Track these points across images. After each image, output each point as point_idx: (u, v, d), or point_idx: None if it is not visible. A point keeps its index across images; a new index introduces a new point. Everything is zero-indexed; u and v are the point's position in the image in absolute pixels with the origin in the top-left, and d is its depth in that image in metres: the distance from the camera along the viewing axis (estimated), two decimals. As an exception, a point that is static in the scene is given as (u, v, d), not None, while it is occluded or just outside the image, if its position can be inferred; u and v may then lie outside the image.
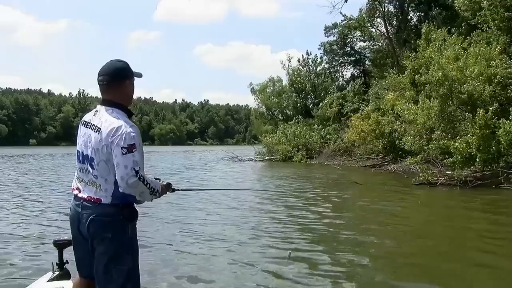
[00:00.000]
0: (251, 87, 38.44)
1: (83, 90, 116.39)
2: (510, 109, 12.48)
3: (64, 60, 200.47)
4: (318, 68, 35.63)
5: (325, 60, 35.37)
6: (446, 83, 13.37)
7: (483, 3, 15.17)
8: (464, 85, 13.07)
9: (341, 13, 37.02)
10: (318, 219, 8.11)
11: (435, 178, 13.27)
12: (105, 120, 2.38)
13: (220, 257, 5.36)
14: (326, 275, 4.67)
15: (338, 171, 19.97)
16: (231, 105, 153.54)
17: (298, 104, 34.41)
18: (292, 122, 31.51)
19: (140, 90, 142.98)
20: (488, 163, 12.49)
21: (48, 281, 3.01)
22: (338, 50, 34.40)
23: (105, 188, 2.37)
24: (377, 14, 28.92)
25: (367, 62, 34.40)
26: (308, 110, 33.72)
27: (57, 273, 3.06)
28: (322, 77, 34.81)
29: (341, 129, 27.19)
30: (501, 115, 12.44)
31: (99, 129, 2.37)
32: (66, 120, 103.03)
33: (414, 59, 16.93)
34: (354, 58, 34.80)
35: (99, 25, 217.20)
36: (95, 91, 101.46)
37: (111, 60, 2.53)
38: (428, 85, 14.20)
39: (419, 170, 14.52)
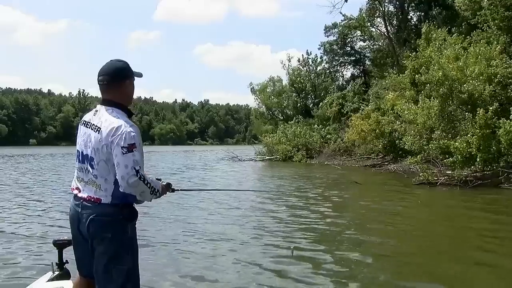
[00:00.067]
0: (251, 87, 38.50)
1: (83, 90, 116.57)
2: (510, 108, 12.47)
3: (64, 60, 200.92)
4: (318, 68, 35.66)
5: (325, 60, 35.42)
6: (446, 82, 13.37)
7: (483, 3, 15.17)
8: (464, 85, 13.06)
9: (341, 13, 37.14)
10: (320, 219, 8.12)
11: (435, 178, 13.26)
12: (105, 119, 2.37)
13: (223, 256, 5.37)
14: (329, 274, 4.69)
15: (338, 171, 19.97)
16: (231, 105, 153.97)
17: (298, 104, 34.40)
18: (292, 122, 31.52)
19: (140, 90, 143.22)
20: (488, 162, 12.48)
21: (48, 281, 3.00)
22: (338, 50, 34.42)
23: (105, 188, 2.37)
24: (377, 14, 28.93)
25: (367, 62, 34.42)
26: (308, 110, 33.71)
27: (57, 273, 3.06)
28: (322, 77, 34.81)
29: (341, 129, 27.19)
30: (501, 114, 12.43)
31: (99, 129, 2.37)
32: (66, 120, 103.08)
33: (414, 58, 16.94)
34: (354, 58, 34.82)
35: (99, 25, 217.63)
36: (95, 91, 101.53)
37: (111, 60, 2.53)
38: (428, 84, 14.20)
39: (419, 170, 14.51)
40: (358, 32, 32.66)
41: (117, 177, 2.30)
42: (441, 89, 13.50)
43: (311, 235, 6.61)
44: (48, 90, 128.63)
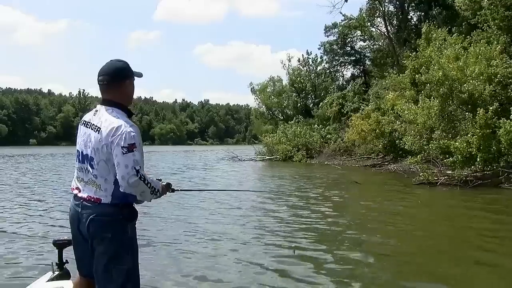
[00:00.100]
0: (251, 86, 38.52)
1: (83, 90, 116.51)
2: (511, 108, 12.47)
3: (64, 60, 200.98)
4: (318, 68, 35.65)
5: (325, 59, 35.41)
6: (446, 82, 13.36)
7: (483, 3, 15.17)
8: (465, 85, 13.06)
9: (341, 12, 37.23)
10: (320, 219, 8.14)
11: (435, 178, 13.26)
12: (105, 119, 2.37)
13: (224, 256, 5.39)
14: (330, 274, 4.71)
15: (338, 170, 19.97)
16: (231, 104, 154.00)
17: (298, 104, 34.41)
18: (292, 121, 31.52)
19: (140, 90, 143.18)
20: (489, 162, 12.47)
21: (48, 281, 3.00)
22: (338, 50, 34.40)
23: (105, 187, 2.37)
24: (377, 14, 28.92)
25: (367, 62, 34.40)
26: (308, 110, 33.71)
27: (57, 273, 3.05)
28: (322, 77, 34.80)
29: (341, 128, 27.19)
30: (501, 114, 12.43)
31: (99, 129, 2.37)
32: (66, 120, 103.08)
33: (414, 58, 16.94)
34: (354, 58, 34.81)
35: (99, 25, 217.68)
36: (95, 91, 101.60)
37: (111, 60, 2.53)
38: (428, 84, 14.20)
39: (419, 169, 14.51)
40: (358, 32, 32.64)
41: (117, 177, 2.30)
42: (441, 89, 13.50)
43: (312, 235, 6.63)
44: (48, 90, 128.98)
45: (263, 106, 38.08)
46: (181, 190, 3.04)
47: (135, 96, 2.66)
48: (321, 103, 31.01)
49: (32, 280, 3.34)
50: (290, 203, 10.15)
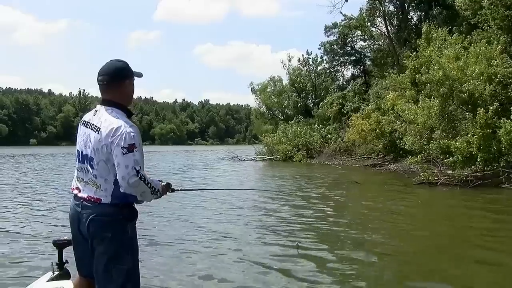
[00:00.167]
0: (252, 86, 38.55)
1: (83, 90, 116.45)
2: (511, 108, 12.46)
3: (64, 60, 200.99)
4: (319, 68, 35.65)
5: (325, 59, 35.39)
6: (447, 82, 13.36)
7: (483, 2, 15.16)
8: (465, 85, 13.05)
9: (341, 12, 37.28)
10: (322, 218, 8.16)
11: (435, 178, 13.26)
12: (104, 120, 2.37)
13: (227, 255, 5.40)
14: (332, 273, 4.74)
15: (338, 170, 19.97)
16: (232, 104, 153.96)
17: (299, 104, 34.41)
18: (292, 121, 31.52)
19: (140, 90, 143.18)
20: (489, 162, 12.47)
21: (48, 281, 3.00)
22: (339, 50, 34.38)
23: (105, 187, 2.37)
24: (378, 14, 28.91)
25: (368, 62, 34.38)
26: (309, 110, 33.71)
27: (57, 273, 3.05)
28: (323, 77, 34.80)
29: (341, 128, 27.19)
30: (501, 114, 12.42)
31: (98, 129, 2.37)
32: (67, 120, 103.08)
33: (414, 58, 16.92)
34: (354, 58, 34.78)
35: (99, 25, 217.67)
36: (95, 91, 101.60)
37: (111, 60, 2.53)
38: (428, 84, 14.19)
39: (419, 169, 14.50)
40: (358, 32, 32.62)
41: (117, 177, 2.29)
42: (441, 89, 13.49)
43: (314, 234, 6.65)
44: (48, 90, 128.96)
45: (263, 106, 38.10)
46: (181, 190, 3.05)
47: (135, 96, 2.66)
48: (321, 103, 31.01)
49: (34, 280, 3.35)
50: (291, 202, 10.16)
